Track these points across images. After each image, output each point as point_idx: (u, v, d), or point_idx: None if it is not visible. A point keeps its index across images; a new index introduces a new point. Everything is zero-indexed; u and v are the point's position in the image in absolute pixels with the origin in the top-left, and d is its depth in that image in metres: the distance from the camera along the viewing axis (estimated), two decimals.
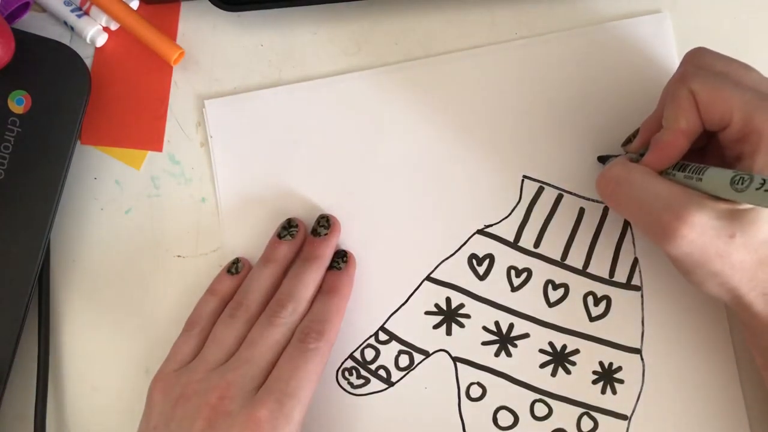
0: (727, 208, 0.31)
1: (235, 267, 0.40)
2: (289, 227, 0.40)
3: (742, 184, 0.29)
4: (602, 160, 0.40)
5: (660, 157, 0.34)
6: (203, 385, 0.35)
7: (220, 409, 0.34)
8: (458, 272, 0.40)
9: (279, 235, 0.40)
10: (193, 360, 0.37)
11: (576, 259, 0.39)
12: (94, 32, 0.42)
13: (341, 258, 0.40)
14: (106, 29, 0.43)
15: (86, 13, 0.43)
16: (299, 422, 0.35)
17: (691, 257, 0.32)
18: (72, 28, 0.42)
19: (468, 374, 0.39)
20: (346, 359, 0.40)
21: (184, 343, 0.38)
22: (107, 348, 0.41)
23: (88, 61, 0.43)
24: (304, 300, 0.38)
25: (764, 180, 0.28)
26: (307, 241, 0.40)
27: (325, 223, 0.40)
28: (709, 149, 0.36)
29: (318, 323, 0.37)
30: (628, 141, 0.39)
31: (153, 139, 0.42)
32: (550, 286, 0.39)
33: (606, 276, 0.39)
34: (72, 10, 0.42)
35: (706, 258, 0.31)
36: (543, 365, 0.39)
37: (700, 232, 0.31)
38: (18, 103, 0.39)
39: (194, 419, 0.34)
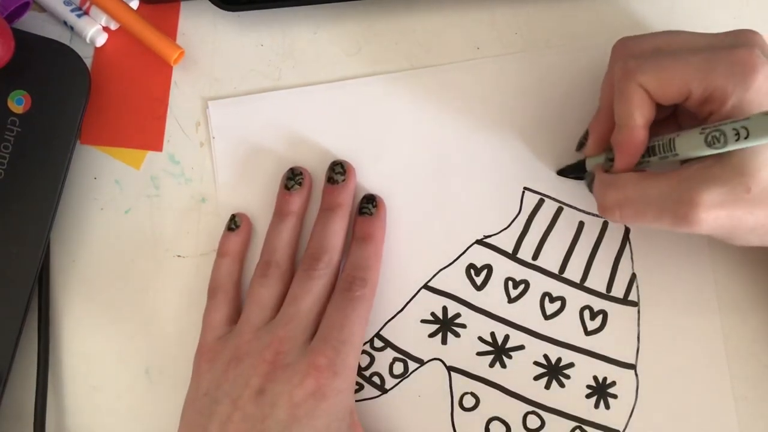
0: (729, 167, 0.30)
1: (233, 222, 0.40)
2: (294, 176, 0.40)
3: (718, 141, 0.29)
4: (563, 173, 0.40)
5: (629, 158, 0.34)
6: (255, 345, 0.36)
7: (277, 364, 0.35)
8: (456, 282, 0.40)
9: (286, 186, 0.40)
10: (233, 325, 0.38)
11: (574, 272, 0.39)
12: (93, 32, 0.42)
13: (371, 203, 0.39)
14: (106, 29, 0.42)
15: (86, 13, 0.42)
16: (355, 368, 0.36)
17: (723, 228, 0.31)
18: (72, 28, 0.42)
19: (462, 384, 0.39)
20: None
21: (215, 310, 0.39)
22: (107, 348, 0.41)
23: (88, 61, 0.42)
24: (336, 249, 0.38)
25: (736, 130, 0.28)
26: (325, 190, 0.40)
27: (340, 170, 0.39)
28: (679, 111, 0.36)
29: (360, 270, 0.37)
30: (581, 145, 0.38)
31: (153, 139, 0.42)
32: (547, 299, 0.39)
33: (603, 290, 0.39)
34: (72, 10, 0.42)
35: (737, 222, 0.31)
36: (537, 377, 0.39)
37: (718, 205, 0.30)
38: (18, 103, 0.39)
39: (250, 377, 0.35)
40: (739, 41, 0.32)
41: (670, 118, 0.36)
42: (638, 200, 0.33)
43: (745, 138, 0.28)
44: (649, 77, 0.32)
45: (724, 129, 0.29)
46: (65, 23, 0.42)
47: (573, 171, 0.39)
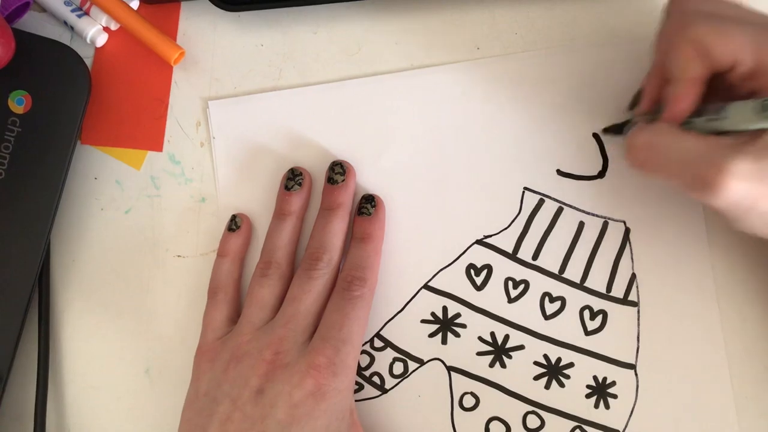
0: (764, 147, 0.30)
1: (234, 223, 0.40)
2: (294, 176, 0.40)
3: None
4: (609, 130, 0.39)
5: (678, 111, 0.33)
6: (254, 345, 0.36)
7: (276, 363, 0.35)
8: (456, 282, 0.40)
9: (286, 187, 0.40)
10: (233, 325, 0.38)
11: (574, 272, 0.39)
12: (94, 32, 0.42)
13: (370, 203, 0.39)
14: (106, 29, 0.42)
15: (86, 13, 0.42)
16: (354, 368, 0.36)
17: (740, 204, 0.31)
18: (72, 28, 0.42)
19: (462, 384, 0.39)
20: None
21: (215, 310, 0.39)
22: (107, 348, 0.41)
23: (88, 61, 0.42)
24: (336, 249, 0.38)
25: None
26: (325, 190, 0.40)
27: (340, 170, 0.40)
28: (712, 91, 0.35)
29: (359, 270, 0.37)
30: (634, 104, 0.38)
31: (153, 139, 0.42)
32: (546, 299, 0.39)
33: (603, 290, 0.39)
34: (72, 10, 0.42)
35: (754, 201, 0.30)
36: (537, 377, 0.39)
37: (744, 178, 0.30)
38: (18, 103, 0.39)
39: (249, 377, 0.35)
40: None
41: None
42: (668, 149, 0.32)
43: None
44: (705, 32, 0.31)
45: None
46: (65, 23, 0.42)
47: (618, 130, 0.39)
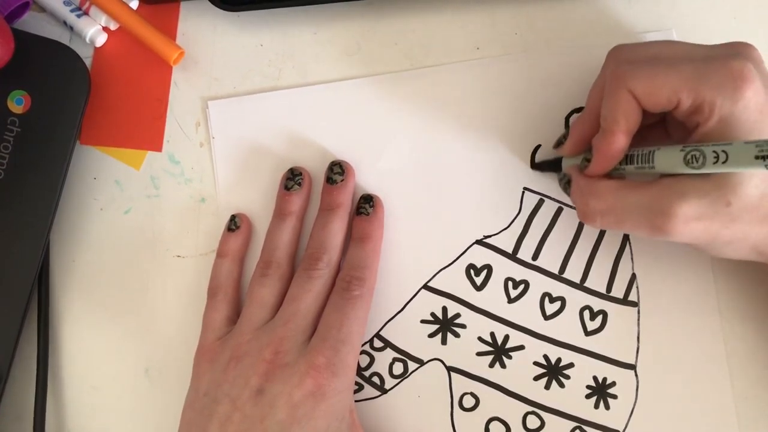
0: (710, 180, 0.31)
1: (233, 223, 0.40)
2: (294, 176, 0.40)
3: (696, 162, 0.30)
4: (539, 167, 0.40)
5: (606, 162, 0.34)
6: (254, 344, 0.36)
7: (276, 363, 0.35)
8: (456, 282, 0.40)
9: (286, 187, 0.40)
10: (233, 325, 0.38)
11: (574, 272, 0.39)
12: (93, 32, 0.42)
13: (368, 203, 0.40)
14: (105, 29, 0.42)
15: (86, 13, 0.42)
16: (353, 368, 0.36)
17: (699, 240, 0.32)
18: (72, 28, 0.42)
19: (462, 384, 0.39)
20: None
21: (214, 311, 0.39)
22: (107, 348, 0.41)
23: (88, 61, 0.42)
24: (335, 249, 0.38)
25: (716, 153, 0.28)
26: (324, 190, 0.40)
27: (339, 170, 0.40)
28: (668, 118, 0.36)
29: (357, 270, 0.37)
30: (560, 143, 0.38)
31: (152, 139, 0.42)
32: (546, 299, 0.39)
33: (603, 291, 0.39)
34: (72, 10, 0.42)
35: (713, 234, 0.31)
36: (537, 378, 0.39)
37: (695, 219, 0.31)
38: (17, 103, 0.39)
39: (249, 377, 0.35)
40: (733, 53, 0.32)
41: (659, 124, 0.36)
42: (618, 209, 0.33)
43: (724, 162, 0.29)
44: (639, 83, 0.32)
45: (704, 150, 0.29)
46: (65, 23, 0.42)
47: (549, 167, 0.39)
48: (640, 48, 0.34)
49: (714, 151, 0.29)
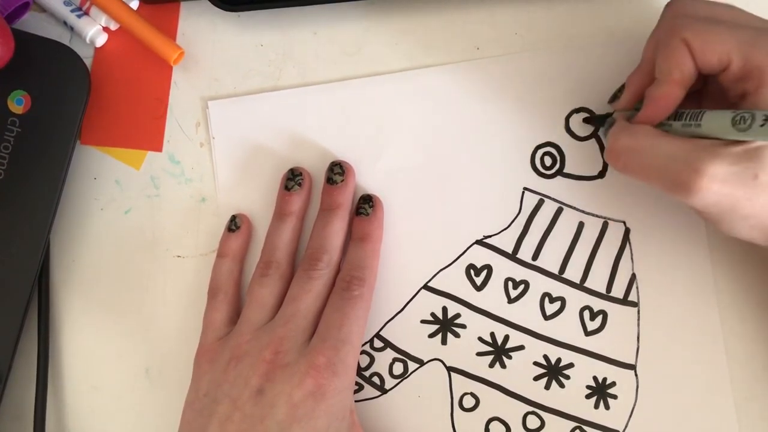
0: (743, 150, 0.30)
1: (234, 223, 0.40)
2: (294, 177, 0.40)
3: (744, 123, 0.29)
4: (589, 120, 0.39)
5: (656, 111, 0.33)
6: (254, 345, 0.36)
7: (276, 363, 0.35)
8: (456, 282, 0.40)
9: (286, 187, 0.40)
10: (233, 325, 0.38)
11: (574, 273, 0.39)
12: (93, 32, 0.42)
13: (368, 203, 0.40)
14: (105, 29, 0.42)
15: (86, 13, 0.42)
16: (354, 368, 0.36)
17: (718, 206, 0.31)
18: (72, 28, 0.42)
19: (462, 384, 0.39)
20: None
21: (215, 311, 0.39)
22: (107, 348, 0.41)
23: (88, 61, 0.42)
24: (335, 249, 0.38)
25: (766, 116, 0.28)
26: (324, 191, 0.40)
27: (339, 170, 0.40)
28: (709, 91, 0.36)
29: (357, 270, 0.37)
30: (615, 97, 0.38)
31: (153, 139, 0.42)
32: (546, 299, 0.39)
33: (603, 291, 0.39)
34: (72, 10, 0.42)
35: (733, 203, 0.31)
36: (537, 378, 0.39)
37: (721, 181, 0.30)
38: (18, 103, 0.39)
39: (249, 377, 0.35)
40: None
41: (694, 96, 0.36)
42: (647, 152, 0.33)
43: None
44: (695, 34, 0.32)
45: (755, 113, 0.29)
46: (65, 23, 0.42)
47: (600, 120, 0.39)
48: (700, 5, 0.34)
49: (765, 115, 0.28)
